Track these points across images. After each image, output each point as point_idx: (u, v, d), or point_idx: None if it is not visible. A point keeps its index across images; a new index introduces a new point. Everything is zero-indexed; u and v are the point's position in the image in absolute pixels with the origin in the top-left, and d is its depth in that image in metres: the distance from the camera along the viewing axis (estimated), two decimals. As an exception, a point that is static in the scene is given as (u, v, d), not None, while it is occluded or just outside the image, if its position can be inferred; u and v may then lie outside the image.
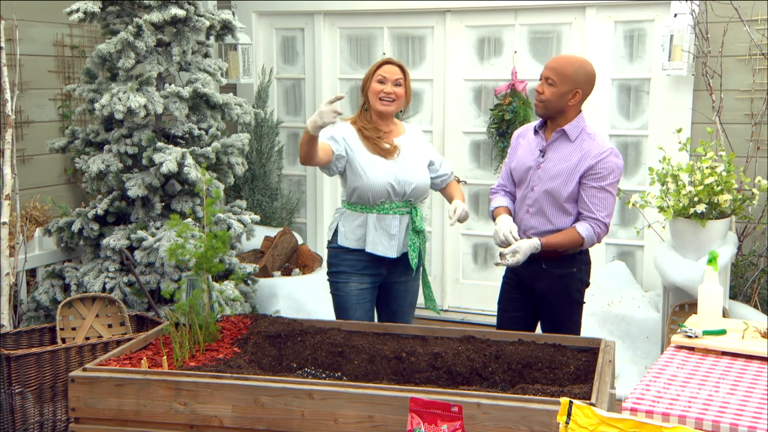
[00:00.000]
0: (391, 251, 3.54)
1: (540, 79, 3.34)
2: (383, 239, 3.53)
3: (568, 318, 3.42)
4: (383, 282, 3.64)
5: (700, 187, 3.99)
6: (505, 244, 3.31)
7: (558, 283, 3.37)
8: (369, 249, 3.52)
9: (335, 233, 3.63)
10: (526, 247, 3.24)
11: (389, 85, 3.49)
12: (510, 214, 3.46)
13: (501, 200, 3.54)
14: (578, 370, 2.94)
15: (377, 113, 3.55)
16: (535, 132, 3.42)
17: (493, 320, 5.20)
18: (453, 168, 3.83)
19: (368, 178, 3.48)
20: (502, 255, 3.26)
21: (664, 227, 4.39)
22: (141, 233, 4.33)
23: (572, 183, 3.28)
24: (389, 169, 3.50)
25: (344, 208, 3.61)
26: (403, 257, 3.60)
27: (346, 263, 3.59)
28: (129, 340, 3.70)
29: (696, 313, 2.98)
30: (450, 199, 3.70)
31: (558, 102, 3.28)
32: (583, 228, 3.28)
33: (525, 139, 3.47)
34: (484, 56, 5.37)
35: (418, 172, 3.57)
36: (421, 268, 3.70)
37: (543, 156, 3.35)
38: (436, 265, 5.62)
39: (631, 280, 4.92)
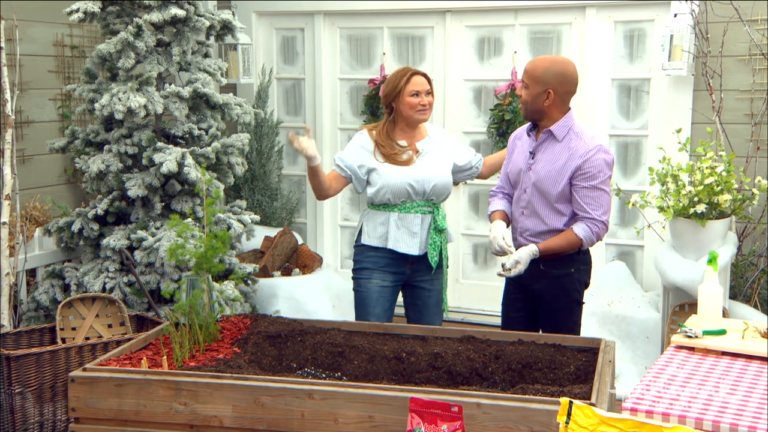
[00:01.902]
0: (413, 248, 3.64)
1: None
2: (405, 237, 3.64)
3: (568, 318, 3.42)
4: (408, 282, 3.74)
5: (700, 187, 3.99)
6: (501, 253, 3.34)
7: (556, 283, 3.38)
8: (391, 246, 3.63)
9: (360, 233, 3.75)
10: (526, 255, 3.26)
11: (423, 96, 3.65)
12: (506, 218, 3.50)
13: (498, 204, 3.57)
14: (578, 370, 2.94)
15: (412, 122, 3.70)
16: (528, 134, 3.45)
17: (494, 320, 5.26)
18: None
19: (389, 180, 3.62)
20: (504, 266, 3.27)
21: (664, 227, 4.39)
22: (141, 233, 4.33)
23: (561, 183, 3.29)
24: (407, 172, 3.63)
25: (368, 209, 3.74)
26: (426, 256, 3.69)
27: (369, 260, 3.69)
28: (129, 340, 3.70)
29: (696, 313, 2.98)
30: (496, 165, 3.91)
31: (533, 104, 3.31)
32: (579, 229, 3.30)
33: (521, 141, 3.50)
34: (484, 56, 5.37)
35: (439, 171, 3.68)
36: (443, 267, 3.75)
37: (533, 157, 3.37)
38: (436, 265, 5.62)
39: (631, 280, 4.92)
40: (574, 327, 3.46)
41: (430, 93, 3.68)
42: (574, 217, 3.35)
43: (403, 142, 3.71)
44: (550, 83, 3.26)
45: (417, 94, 3.63)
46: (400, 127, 3.72)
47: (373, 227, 3.69)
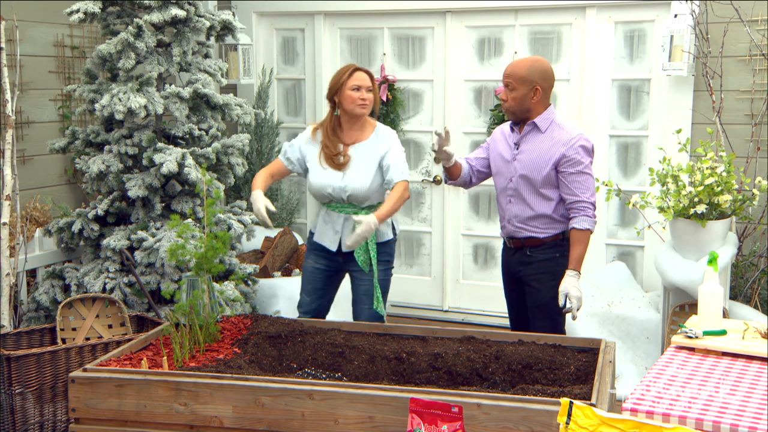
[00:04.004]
0: (334, 244, 3.82)
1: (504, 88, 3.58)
2: (330, 233, 3.82)
3: (552, 299, 3.48)
4: (344, 269, 3.90)
5: (701, 188, 3.99)
6: (435, 147, 3.58)
7: (543, 267, 3.55)
8: (316, 238, 3.87)
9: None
10: (574, 286, 3.39)
11: (363, 91, 3.73)
12: (459, 166, 3.70)
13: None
14: (578, 371, 2.94)
15: (353, 116, 3.77)
16: (512, 128, 3.65)
17: (493, 320, 5.28)
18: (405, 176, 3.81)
19: (311, 184, 3.81)
20: (566, 310, 3.40)
21: (664, 228, 4.39)
22: (141, 234, 4.33)
23: (546, 169, 3.48)
24: (329, 178, 3.76)
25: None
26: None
27: (309, 242, 3.94)
28: (129, 340, 3.70)
29: (696, 313, 2.98)
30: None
31: (522, 103, 3.51)
32: (580, 222, 3.46)
33: (503, 134, 3.69)
34: (484, 57, 5.37)
35: (358, 180, 3.74)
36: (373, 266, 3.80)
37: (517, 148, 3.57)
38: (436, 266, 5.62)
39: (632, 281, 4.92)
40: (559, 311, 3.51)
41: (371, 90, 3.74)
42: (560, 203, 3.52)
43: (340, 146, 3.81)
44: (535, 80, 3.48)
45: (358, 88, 3.71)
46: (344, 123, 3.81)
47: (313, 216, 3.99)
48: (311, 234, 3.92)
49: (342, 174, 3.74)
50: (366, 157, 3.77)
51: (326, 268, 3.88)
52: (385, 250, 3.83)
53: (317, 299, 3.92)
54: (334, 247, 3.81)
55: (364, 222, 3.51)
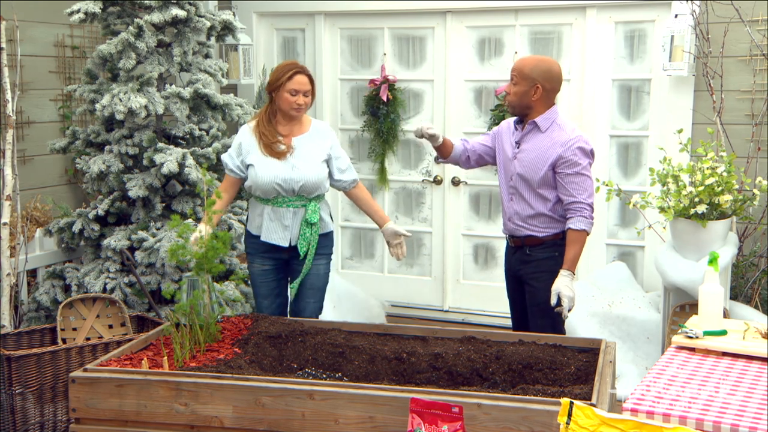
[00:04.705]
0: (284, 240, 3.79)
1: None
2: (278, 230, 3.78)
3: (550, 298, 3.48)
4: (291, 262, 3.88)
5: (701, 188, 3.99)
6: (419, 133, 3.67)
7: (542, 265, 3.56)
8: (264, 238, 3.80)
9: (248, 219, 3.96)
10: (566, 285, 3.39)
11: (300, 96, 3.77)
12: (449, 143, 3.78)
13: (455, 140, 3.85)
14: (579, 371, 2.94)
15: (288, 116, 3.81)
16: (515, 126, 3.67)
17: (494, 320, 5.28)
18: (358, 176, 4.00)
19: (258, 178, 3.75)
20: (558, 308, 3.40)
21: (664, 228, 4.39)
22: (142, 234, 4.33)
23: (543, 169, 3.51)
24: (277, 170, 3.75)
25: (252, 198, 3.91)
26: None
27: (251, 246, 3.88)
28: (129, 340, 3.71)
29: (697, 313, 2.98)
30: (374, 218, 3.95)
31: (522, 99, 3.54)
32: (576, 223, 3.47)
33: (509, 129, 3.72)
34: (484, 57, 5.37)
35: (308, 170, 3.77)
36: (307, 258, 3.81)
37: (518, 147, 3.61)
38: (436, 266, 5.62)
39: (632, 281, 4.92)
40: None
41: (309, 94, 3.79)
42: (558, 202, 3.53)
43: (278, 136, 3.82)
44: (537, 79, 3.51)
45: (295, 92, 3.74)
46: (281, 117, 3.83)
47: (253, 217, 3.88)
48: (254, 237, 3.84)
49: (291, 165, 3.74)
50: (313, 148, 3.81)
51: (275, 267, 3.87)
52: (327, 243, 3.88)
53: (275, 299, 3.91)
54: (285, 243, 3.78)
55: (393, 231, 3.82)
